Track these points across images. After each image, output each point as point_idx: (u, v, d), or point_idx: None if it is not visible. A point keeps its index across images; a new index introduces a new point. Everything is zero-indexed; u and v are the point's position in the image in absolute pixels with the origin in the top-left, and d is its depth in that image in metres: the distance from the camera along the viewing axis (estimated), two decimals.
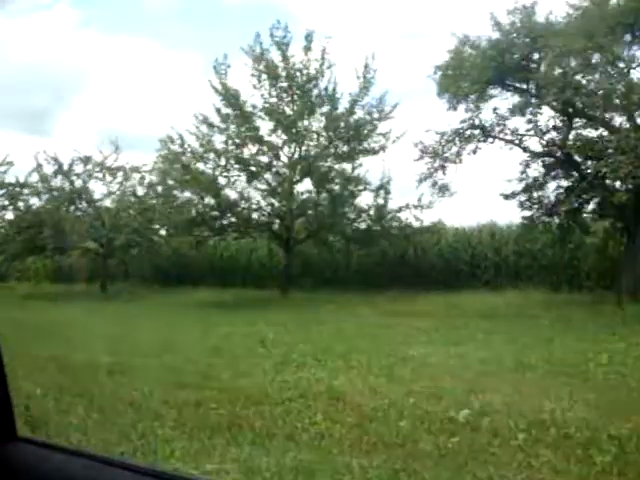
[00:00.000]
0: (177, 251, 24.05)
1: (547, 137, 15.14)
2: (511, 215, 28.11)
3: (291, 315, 15.99)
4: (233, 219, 19.19)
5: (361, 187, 19.65)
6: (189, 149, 19.11)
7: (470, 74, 14.45)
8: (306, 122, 19.09)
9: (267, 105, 19.13)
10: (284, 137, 19.14)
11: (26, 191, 24.64)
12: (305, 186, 19.82)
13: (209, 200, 19.49)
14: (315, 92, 18.96)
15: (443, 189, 16.21)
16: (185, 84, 35.59)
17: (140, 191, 23.89)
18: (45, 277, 31.69)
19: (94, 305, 19.99)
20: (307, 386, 6.44)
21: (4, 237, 23.61)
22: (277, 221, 19.40)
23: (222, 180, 19.22)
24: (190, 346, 9.84)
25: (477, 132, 15.52)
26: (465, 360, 8.12)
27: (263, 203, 19.43)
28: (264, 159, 19.16)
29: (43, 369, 7.48)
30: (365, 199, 20.12)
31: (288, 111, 18.91)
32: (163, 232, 24.61)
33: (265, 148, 19.02)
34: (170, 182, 22.09)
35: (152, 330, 12.59)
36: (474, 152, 15.63)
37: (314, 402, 5.75)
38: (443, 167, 15.68)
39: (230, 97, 18.61)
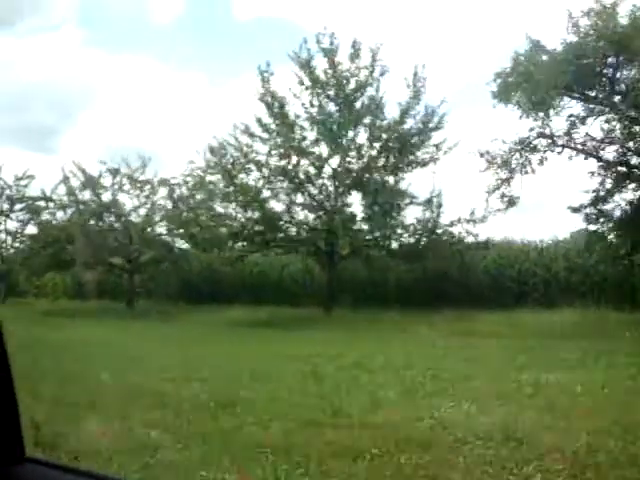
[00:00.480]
0: (209, 267, 23.03)
1: (623, 145, 14.25)
2: (556, 230, 27.39)
3: (348, 335, 14.99)
4: (278, 234, 18.18)
5: (407, 201, 18.74)
6: (231, 159, 18.19)
7: (541, 80, 13.58)
8: (352, 133, 18.24)
9: (311, 114, 18.31)
10: (330, 148, 18.26)
11: (51, 205, 23.73)
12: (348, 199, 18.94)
13: (251, 213, 18.55)
14: (363, 101, 18.11)
15: (512, 202, 15.31)
16: (190, 101, 35.22)
17: (169, 204, 22.97)
18: (63, 293, 30.72)
19: (127, 324, 18.92)
20: (468, 424, 5.45)
21: (29, 251, 22.59)
22: (322, 236, 18.38)
23: (265, 192, 18.31)
24: (273, 372, 8.78)
25: (546, 141, 14.64)
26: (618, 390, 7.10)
27: (310, 217, 18.48)
28: (307, 171, 18.27)
29: (136, 403, 6.49)
30: (411, 213, 19.21)
31: (335, 121, 18.05)
32: (184, 246, 23.80)
33: (310, 159, 18.14)
34: (202, 195, 21.37)
35: (213, 354, 11.57)
36: (541, 162, 14.75)
37: (496, 445, 4.77)
38: (510, 178, 14.79)
39: (276, 105, 17.75)
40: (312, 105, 18.45)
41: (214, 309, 22.41)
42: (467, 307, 18.74)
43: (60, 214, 24.52)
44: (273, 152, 18.23)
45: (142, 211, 23.82)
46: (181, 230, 23.18)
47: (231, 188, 17.98)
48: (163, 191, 23.42)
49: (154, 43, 34.36)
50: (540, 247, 21.36)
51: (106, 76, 37.20)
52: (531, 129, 14.60)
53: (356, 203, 18.83)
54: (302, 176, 18.12)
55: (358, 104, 18.07)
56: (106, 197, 23.39)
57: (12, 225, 28.90)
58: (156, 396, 6.76)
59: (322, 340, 13.91)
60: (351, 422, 5.68)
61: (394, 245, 19.38)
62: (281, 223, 18.15)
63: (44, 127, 35.81)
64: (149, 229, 23.24)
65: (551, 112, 14.39)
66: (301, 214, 18.84)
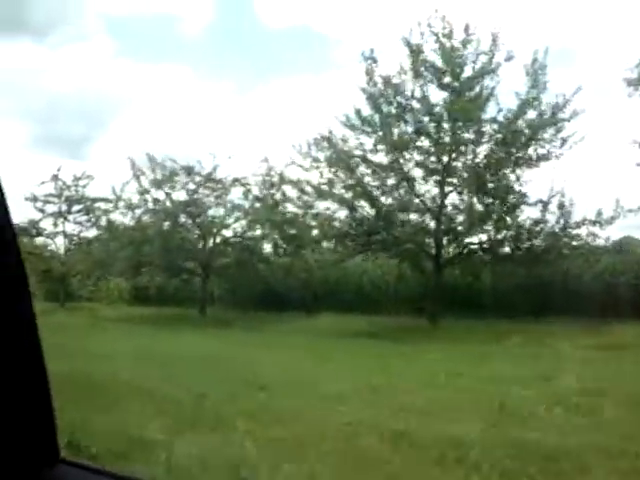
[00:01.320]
0: (291, 272, 21.52)
1: None
2: None
3: (479, 349, 13.26)
4: (386, 235, 16.59)
5: (520, 200, 17.07)
6: (333, 154, 16.65)
7: None
8: (463, 125, 16.62)
9: (411, 106, 16.79)
10: (437, 142, 16.70)
11: (120, 205, 22.34)
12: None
13: (350, 212, 17.03)
14: (477, 90, 16.53)
15: None
16: (219, 109, 34.60)
17: (246, 204, 21.51)
18: (119, 298, 29.36)
19: (219, 334, 17.24)
20: None
21: (106, 253, 21.19)
22: (437, 236, 16.78)
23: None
24: (508, 402, 6.96)
25: None
26: None
27: (414, 217, 16.92)
28: (418, 165, 16.73)
29: (411, 455, 4.89)
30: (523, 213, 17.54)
31: (445, 112, 16.50)
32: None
33: (418, 155, 16.59)
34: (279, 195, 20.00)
35: (371, 374, 9.87)
36: None
37: None
38: None
39: (389, 92, 16.25)
40: (413, 96, 16.92)
41: (295, 317, 20.85)
42: (582, 316, 17.09)
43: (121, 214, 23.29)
44: (379, 147, 16.70)
45: (210, 212, 22.48)
46: (258, 232, 21.81)
47: (338, 185, 16.43)
48: (235, 191, 22.09)
49: (184, 52, 33.90)
50: None
51: (137, 85, 37.04)
52: None
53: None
54: (412, 173, 16.58)
55: (472, 93, 16.47)
56: (175, 197, 22.01)
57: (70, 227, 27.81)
58: (427, 445, 5.14)
59: (466, 355, 12.30)
60: None
61: (502, 248, 17.73)
62: (393, 223, 16.52)
63: (76, 136, 35.77)
64: (224, 231, 21.87)
65: None
66: (402, 214, 17.22)
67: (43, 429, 1.01)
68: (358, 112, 17.11)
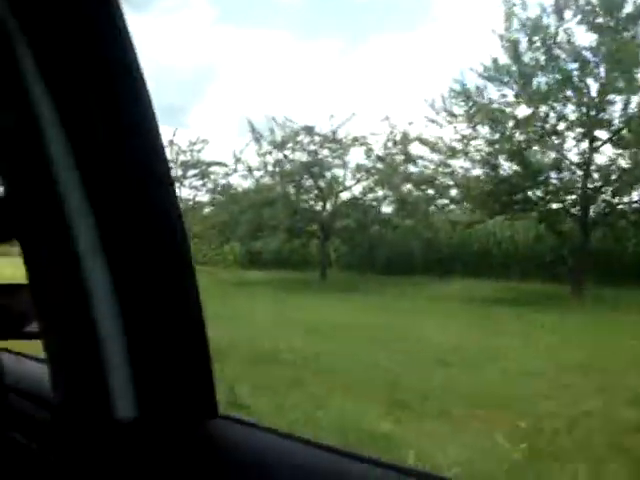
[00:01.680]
0: (414, 234, 20.73)
1: None
2: None
3: None
4: (529, 194, 15.38)
5: None
6: (472, 110, 15.48)
7: None
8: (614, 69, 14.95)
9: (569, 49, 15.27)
10: (595, 89, 15.23)
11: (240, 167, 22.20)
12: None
13: (493, 170, 15.93)
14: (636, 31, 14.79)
15: None
16: (320, 70, 33.61)
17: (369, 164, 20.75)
18: (234, 262, 29.61)
19: (349, 298, 16.65)
20: None
21: (228, 217, 21.10)
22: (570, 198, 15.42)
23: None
24: None
25: None
26: None
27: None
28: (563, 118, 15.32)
29: None
30: None
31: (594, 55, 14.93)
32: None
33: (567, 105, 15.15)
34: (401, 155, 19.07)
35: None
36: None
37: None
38: None
39: (536, 39, 14.87)
40: (555, 42, 15.34)
41: (420, 281, 20.05)
42: None
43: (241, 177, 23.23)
44: (520, 99, 15.37)
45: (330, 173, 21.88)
46: (379, 192, 21.05)
47: (474, 141, 15.32)
48: (354, 151, 21.39)
49: (280, 17, 33.18)
50: None
51: (236, 51, 36.92)
52: None
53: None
54: (557, 127, 15.17)
55: (629, 34, 14.76)
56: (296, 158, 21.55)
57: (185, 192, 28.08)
58: None
59: None
60: None
61: None
62: (544, 180, 15.28)
63: (177, 104, 36.35)
64: (345, 192, 21.27)
65: None
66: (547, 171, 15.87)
67: (202, 384, 1.07)
68: (495, 61, 15.81)
